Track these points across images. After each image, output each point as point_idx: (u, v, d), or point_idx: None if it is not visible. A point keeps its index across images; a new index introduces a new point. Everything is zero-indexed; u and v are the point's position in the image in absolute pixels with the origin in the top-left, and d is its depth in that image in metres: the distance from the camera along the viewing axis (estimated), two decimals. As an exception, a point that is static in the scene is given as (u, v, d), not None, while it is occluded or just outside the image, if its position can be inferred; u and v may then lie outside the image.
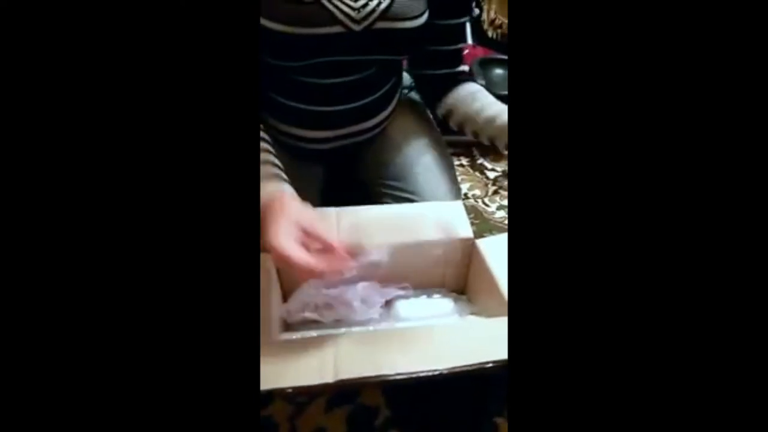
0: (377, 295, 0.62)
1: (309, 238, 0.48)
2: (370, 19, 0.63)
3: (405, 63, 0.83)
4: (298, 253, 0.46)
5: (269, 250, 0.47)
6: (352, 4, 0.62)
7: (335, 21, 0.61)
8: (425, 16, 0.67)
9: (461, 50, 0.78)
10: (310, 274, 0.46)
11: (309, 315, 0.60)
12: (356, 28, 0.62)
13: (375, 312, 0.62)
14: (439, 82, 0.78)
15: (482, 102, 0.75)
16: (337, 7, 0.61)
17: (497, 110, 0.74)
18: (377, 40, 0.65)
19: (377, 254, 0.59)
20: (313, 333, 0.60)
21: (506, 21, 1.78)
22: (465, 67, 0.79)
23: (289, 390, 0.42)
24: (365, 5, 0.62)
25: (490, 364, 0.45)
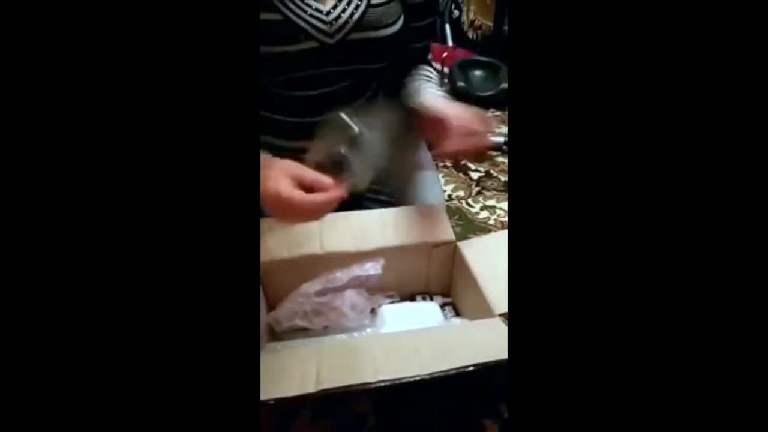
0: (365, 302, 0.62)
1: (302, 184, 0.50)
2: (344, 31, 0.62)
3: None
4: (299, 195, 0.48)
5: (268, 202, 0.49)
6: (323, 18, 0.61)
7: (309, 37, 0.61)
8: (400, 22, 0.66)
9: (429, 45, 0.79)
10: (314, 213, 0.50)
11: (299, 322, 0.60)
12: (330, 41, 0.62)
13: (365, 317, 0.62)
14: (405, 75, 0.78)
15: (417, 81, 0.74)
16: (308, 22, 0.60)
17: (417, 86, 0.72)
18: (353, 51, 0.64)
19: (373, 267, 0.59)
20: (299, 342, 0.60)
21: (486, 22, 1.80)
22: (428, 57, 0.79)
23: (272, 402, 0.41)
24: (338, 18, 0.62)
25: (473, 367, 0.45)
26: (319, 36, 0.61)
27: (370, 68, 0.71)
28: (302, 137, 0.73)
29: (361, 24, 0.63)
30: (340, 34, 0.62)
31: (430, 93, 0.69)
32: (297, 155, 0.74)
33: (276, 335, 0.63)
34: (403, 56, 0.75)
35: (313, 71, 0.64)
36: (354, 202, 0.80)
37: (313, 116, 0.70)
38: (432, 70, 0.78)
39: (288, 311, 0.60)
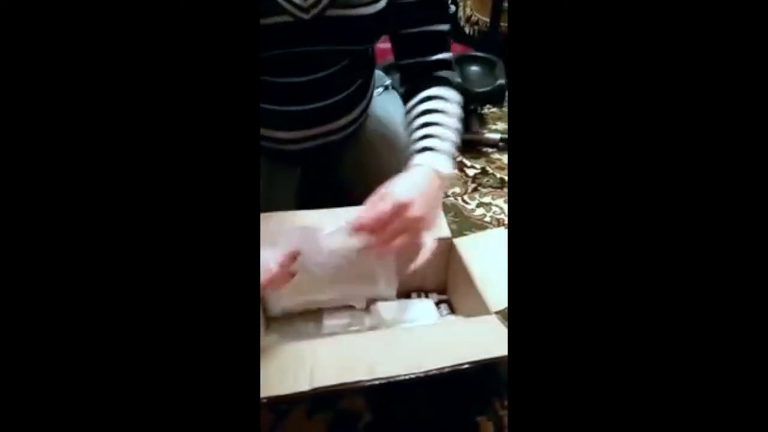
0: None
1: None
2: (320, 6, 0.60)
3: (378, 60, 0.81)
4: None
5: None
6: None
7: (281, 10, 0.59)
8: (383, 2, 0.63)
9: (440, 34, 0.67)
10: None
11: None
12: (305, 16, 0.60)
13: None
14: (413, 75, 0.68)
15: (420, 119, 0.63)
16: None
17: (419, 134, 0.62)
18: (331, 29, 0.62)
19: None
20: (293, 337, 0.60)
21: (482, 18, 1.79)
22: (445, 55, 0.68)
23: (264, 400, 0.41)
24: None
25: (468, 365, 0.45)
26: (293, 10, 0.59)
27: (357, 54, 0.68)
28: (292, 127, 0.72)
29: (338, 0, 0.60)
30: (316, 10, 0.60)
31: (425, 157, 0.57)
32: (282, 146, 0.73)
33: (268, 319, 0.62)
34: (404, 40, 0.67)
35: (289, 49, 0.62)
36: (351, 198, 0.80)
37: (303, 105, 0.68)
38: (452, 97, 0.66)
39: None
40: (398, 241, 0.50)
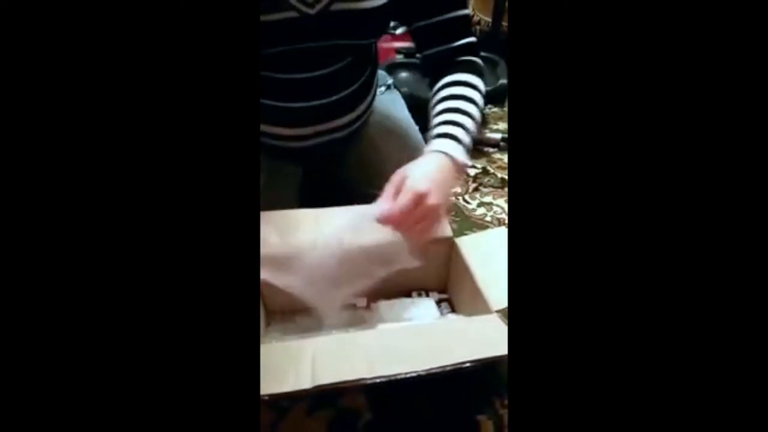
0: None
1: None
2: (325, 0, 0.60)
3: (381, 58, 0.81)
4: None
5: None
6: None
7: (286, 6, 0.59)
8: None
9: (460, 19, 0.65)
10: None
11: None
12: (311, 11, 0.60)
13: None
14: (436, 64, 0.67)
15: (441, 106, 0.63)
16: None
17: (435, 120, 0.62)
18: (336, 24, 0.62)
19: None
20: (294, 335, 0.60)
21: (484, 17, 1.79)
22: (467, 40, 0.67)
23: (266, 397, 0.41)
24: None
25: (469, 364, 0.45)
26: (298, 5, 0.59)
27: (360, 49, 0.68)
28: (296, 124, 0.71)
29: None
30: (321, 5, 0.60)
31: (439, 143, 0.58)
32: (285, 143, 0.73)
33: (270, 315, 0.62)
34: (421, 32, 0.66)
35: (294, 45, 0.62)
36: (354, 197, 0.80)
37: (307, 101, 0.68)
38: (474, 82, 0.65)
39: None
40: (419, 228, 0.54)
